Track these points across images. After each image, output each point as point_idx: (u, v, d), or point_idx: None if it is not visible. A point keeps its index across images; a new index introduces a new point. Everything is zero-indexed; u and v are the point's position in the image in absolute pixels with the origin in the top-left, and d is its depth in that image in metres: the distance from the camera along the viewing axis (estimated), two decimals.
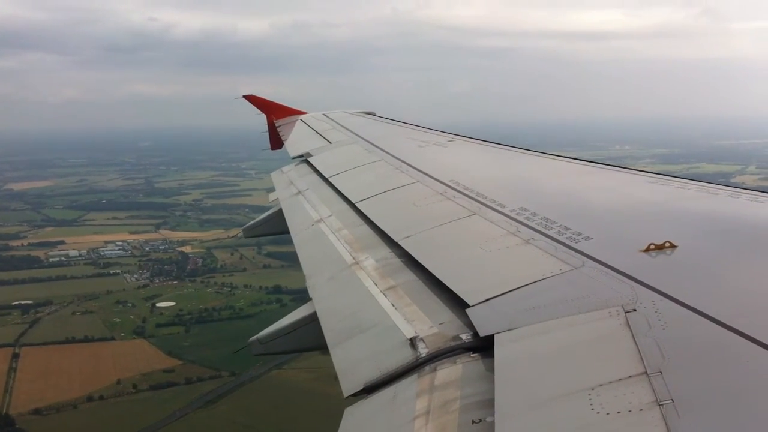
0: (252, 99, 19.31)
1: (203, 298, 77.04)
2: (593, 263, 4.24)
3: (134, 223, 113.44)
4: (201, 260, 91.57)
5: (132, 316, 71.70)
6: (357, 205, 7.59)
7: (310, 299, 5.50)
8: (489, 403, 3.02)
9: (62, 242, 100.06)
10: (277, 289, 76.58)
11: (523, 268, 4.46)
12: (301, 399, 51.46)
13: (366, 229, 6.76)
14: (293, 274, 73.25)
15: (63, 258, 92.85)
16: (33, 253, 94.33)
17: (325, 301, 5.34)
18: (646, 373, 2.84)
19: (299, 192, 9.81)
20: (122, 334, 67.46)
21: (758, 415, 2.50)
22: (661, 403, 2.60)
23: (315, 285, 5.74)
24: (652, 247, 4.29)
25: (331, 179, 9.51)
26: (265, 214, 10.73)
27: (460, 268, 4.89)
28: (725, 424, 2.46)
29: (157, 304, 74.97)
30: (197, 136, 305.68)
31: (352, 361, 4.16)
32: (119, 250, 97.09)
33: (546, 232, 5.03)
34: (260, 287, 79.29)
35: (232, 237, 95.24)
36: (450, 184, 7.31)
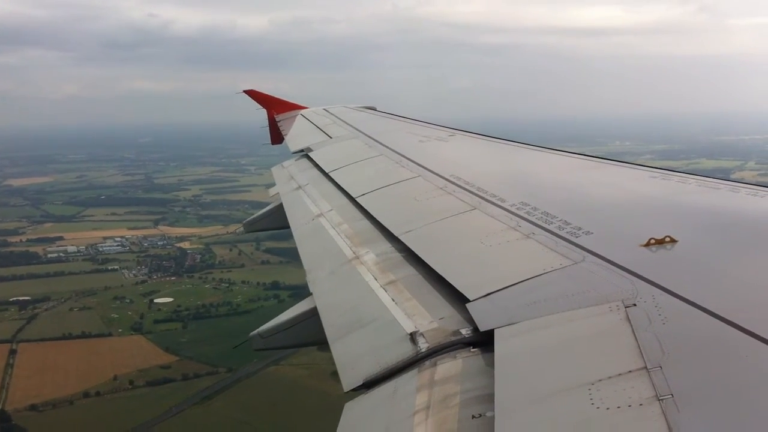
0: (252, 94, 19.27)
1: (201, 294, 76.92)
2: (593, 258, 4.23)
3: (133, 219, 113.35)
4: (199, 256, 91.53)
5: (130, 312, 71.65)
6: (357, 199, 7.59)
7: (310, 294, 5.49)
8: (489, 398, 3.02)
9: (61, 238, 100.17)
10: (275, 285, 76.51)
11: (524, 262, 4.46)
12: (297, 395, 51.48)
13: (366, 223, 6.75)
14: (291, 270, 73.64)
15: (61, 254, 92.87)
16: (31, 249, 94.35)
17: (326, 296, 5.34)
18: (646, 368, 2.83)
19: (300, 187, 9.81)
20: (120, 330, 67.45)
21: (758, 410, 2.49)
22: (661, 397, 2.59)
23: (315, 280, 5.73)
24: (653, 241, 4.28)
25: (331, 174, 9.51)
26: (266, 209, 10.72)
27: (460, 263, 4.88)
28: (725, 419, 2.46)
29: (155, 300, 74.96)
30: (197, 132, 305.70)
31: (352, 356, 4.15)
32: (118, 246, 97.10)
33: (546, 226, 5.03)
34: (258, 283, 79.18)
35: (231, 233, 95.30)
36: (450, 178, 7.30)
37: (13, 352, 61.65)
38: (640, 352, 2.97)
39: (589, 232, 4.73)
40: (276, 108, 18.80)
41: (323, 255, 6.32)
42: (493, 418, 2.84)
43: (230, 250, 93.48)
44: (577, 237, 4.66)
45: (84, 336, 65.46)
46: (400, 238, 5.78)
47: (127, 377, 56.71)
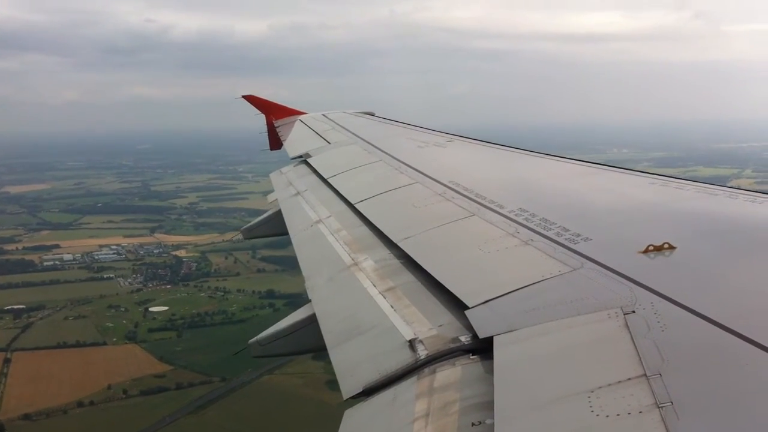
0: (251, 99, 19.27)
1: (196, 303, 76.57)
2: (592, 264, 4.24)
3: (129, 227, 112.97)
4: (195, 264, 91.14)
5: (124, 321, 71.27)
6: (356, 206, 7.59)
7: (308, 301, 5.50)
8: (488, 405, 3.02)
9: (57, 246, 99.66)
10: (270, 294, 76.28)
11: (522, 269, 4.47)
12: (291, 405, 51.27)
13: (365, 230, 6.76)
14: (287, 279, 73.45)
15: (57, 262, 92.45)
16: (27, 257, 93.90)
17: (324, 303, 5.34)
18: (645, 375, 2.83)
19: (298, 193, 9.80)
20: (114, 339, 67.07)
21: (757, 418, 2.49)
22: (660, 405, 2.59)
23: (314, 286, 5.74)
24: (651, 248, 4.28)
25: (330, 180, 9.52)
26: (264, 215, 10.74)
27: (459, 270, 4.89)
28: (725, 427, 2.45)
29: (150, 309, 74.53)
30: (196, 138, 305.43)
31: (351, 363, 4.15)
32: (114, 254, 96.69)
33: (545, 233, 5.03)
34: (253, 292, 78.84)
35: (227, 241, 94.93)
36: (449, 184, 7.31)
37: (7, 361, 61.16)
38: (640, 359, 2.96)
39: (587, 238, 4.73)
40: (275, 113, 18.82)
41: (322, 261, 6.32)
42: (492, 425, 2.84)
43: (226, 258, 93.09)
44: (575, 243, 4.67)
45: (78, 345, 65.07)
46: (399, 244, 5.79)
47: (121, 386, 56.30)
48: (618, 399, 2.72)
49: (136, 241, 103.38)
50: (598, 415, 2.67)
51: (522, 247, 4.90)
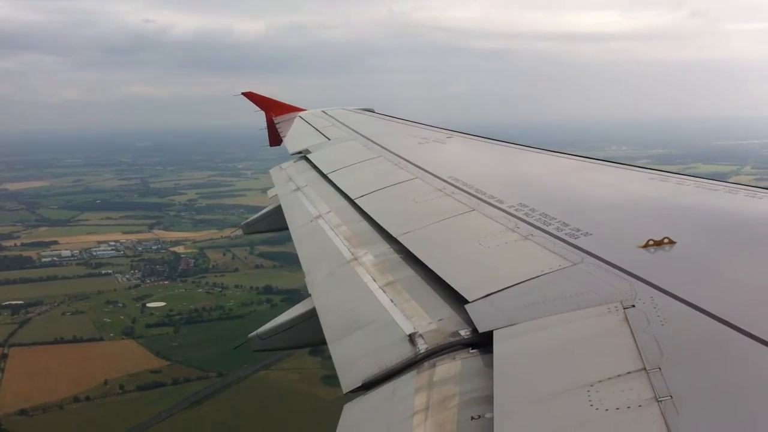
0: (251, 96, 19.24)
1: (194, 299, 76.42)
2: (592, 259, 4.24)
3: (128, 223, 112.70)
4: (193, 260, 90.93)
5: (122, 317, 71.13)
6: (356, 201, 7.60)
7: (306, 297, 5.52)
8: (488, 399, 3.02)
9: (55, 242, 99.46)
10: (268, 290, 76.15)
11: (522, 264, 4.47)
12: (287, 400, 51.26)
13: (365, 225, 6.77)
14: (285, 275, 73.49)
15: (55, 258, 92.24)
16: (25, 254, 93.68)
17: (324, 297, 5.34)
18: (644, 369, 2.83)
19: (298, 188, 9.82)
20: (111, 335, 66.95)
21: (757, 412, 2.49)
22: (659, 399, 2.59)
23: (314, 281, 5.73)
24: (651, 243, 4.29)
25: (329, 175, 9.53)
26: (264, 211, 10.76)
27: (459, 264, 4.90)
28: (724, 421, 2.45)
29: (148, 305, 74.41)
30: (195, 136, 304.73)
31: (351, 357, 4.14)
32: (112, 250, 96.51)
33: (545, 228, 5.04)
34: (251, 287, 78.69)
35: (225, 237, 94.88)
36: (449, 180, 7.31)
37: (4, 356, 61.22)
38: (639, 353, 2.96)
39: (587, 233, 4.73)
40: (274, 110, 18.77)
41: (322, 256, 6.32)
42: (492, 419, 2.84)
43: (224, 254, 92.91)
44: (575, 238, 4.67)
45: (76, 340, 65.03)
46: (399, 239, 5.78)
47: (117, 382, 56.24)
48: (617, 393, 2.72)
49: (134, 237, 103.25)
50: (597, 409, 2.66)
51: (522, 241, 4.90)
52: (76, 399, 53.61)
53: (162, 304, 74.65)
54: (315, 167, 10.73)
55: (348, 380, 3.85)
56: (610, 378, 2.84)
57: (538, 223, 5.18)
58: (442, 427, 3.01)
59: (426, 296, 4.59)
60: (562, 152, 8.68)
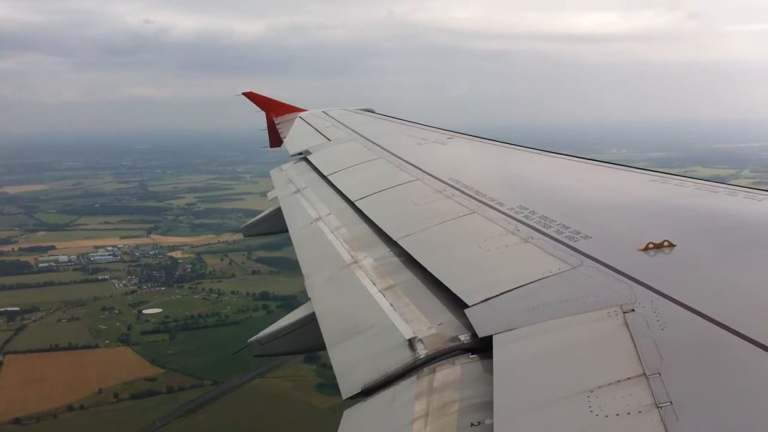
0: (251, 96, 19.21)
1: (190, 305, 76.07)
2: (592, 262, 4.22)
3: (126, 228, 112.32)
4: (190, 266, 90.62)
5: (118, 323, 70.80)
6: (356, 203, 7.59)
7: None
8: (488, 405, 3.01)
9: (53, 247, 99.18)
10: (265, 296, 75.88)
11: (522, 267, 4.46)
12: (281, 408, 50.97)
13: (365, 227, 6.76)
14: (282, 281, 73.24)
15: (52, 263, 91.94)
16: (23, 259, 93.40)
17: (324, 302, 5.32)
18: (644, 374, 2.82)
19: (298, 190, 9.81)
20: (107, 342, 66.63)
21: (757, 418, 2.47)
22: (659, 405, 2.58)
23: (313, 285, 5.72)
24: (651, 246, 4.27)
25: (330, 177, 9.51)
26: (264, 213, 10.76)
27: (458, 268, 4.88)
28: (724, 427, 2.44)
29: (144, 311, 74.10)
30: (195, 138, 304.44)
31: (350, 363, 4.13)
32: (109, 255, 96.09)
33: (545, 230, 5.02)
34: (248, 293, 78.33)
35: (223, 242, 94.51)
36: (449, 182, 7.30)
37: None
38: (639, 358, 2.95)
39: (587, 236, 4.72)
40: (275, 110, 18.75)
41: (321, 259, 6.32)
42: (492, 425, 2.83)
43: (221, 259, 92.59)
44: (575, 241, 4.65)
45: (71, 347, 64.68)
46: (399, 242, 5.78)
47: (112, 390, 55.84)
48: (617, 399, 2.70)
49: (132, 242, 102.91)
50: (597, 415, 2.65)
51: (522, 244, 4.89)
52: (70, 408, 53.27)
53: (158, 310, 74.33)
54: (315, 168, 10.71)
55: (347, 386, 3.83)
56: (610, 384, 2.82)
57: (538, 226, 5.15)
58: None
59: (426, 300, 4.57)
60: (562, 154, 8.61)
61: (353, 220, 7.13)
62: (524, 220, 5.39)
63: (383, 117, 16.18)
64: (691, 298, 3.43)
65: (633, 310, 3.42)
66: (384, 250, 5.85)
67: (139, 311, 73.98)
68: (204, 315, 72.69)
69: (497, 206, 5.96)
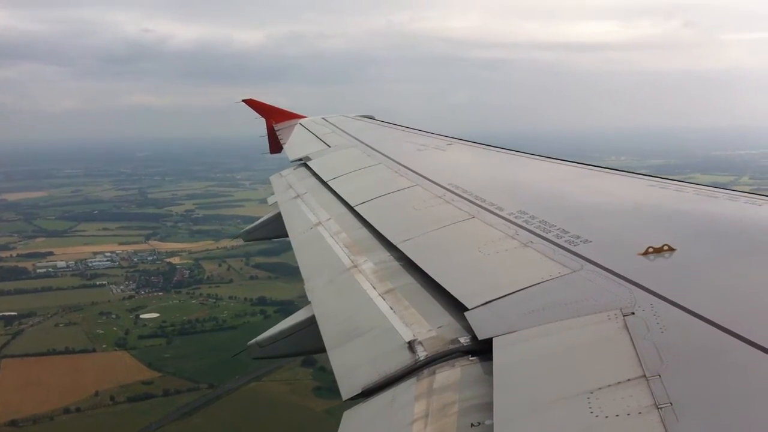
0: (251, 103, 19.33)
1: (187, 310, 75.94)
2: (592, 266, 4.24)
3: (125, 234, 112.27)
4: (188, 271, 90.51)
5: (115, 328, 70.74)
6: (356, 208, 7.62)
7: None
8: (488, 407, 3.02)
9: (51, 253, 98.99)
10: (262, 301, 75.82)
11: (522, 271, 4.47)
12: (277, 411, 50.97)
13: (365, 232, 6.77)
14: (279, 286, 73.20)
15: (50, 269, 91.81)
16: (21, 265, 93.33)
17: (324, 305, 5.34)
18: (644, 376, 2.83)
19: (298, 195, 9.85)
20: (104, 346, 66.56)
21: (757, 420, 2.48)
22: (659, 406, 2.59)
23: (313, 288, 5.73)
24: (651, 250, 4.28)
25: (330, 183, 9.55)
26: (264, 218, 10.73)
27: (458, 272, 4.89)
28: (724, 428, 2.44)
29: (141, 316, 74.01)
30: (195, 146, 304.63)
31: (350, 365, 4.14)
32: (107, 261, 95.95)
33: (544, 235, 5.04)
34: (245, 299, 78.22)
35: (222, 248, 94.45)
36: (449, 187, 7.33)
37: None
38: (639, 360, 2.96)
39: (587, 240, 4.73)
40: (275, 117, 18.86)
41: (322, 264, 6.33)
42: (491, 426, 2.84)
43: (219, 265, 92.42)
44: (575, 245, 4.67)
45: (68, 352, 64.62)
46: (399, 246, 5.79)
47: (108, 393, 55.77)
48: (617, 400, 2.71)
49: (130, 248, 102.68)
50: (597, 416, 2.66)
51: (521, 249, 4.90)
52: (66, 411, 53.20)
53: (155, 315, 74.23)
54: (315, 174, 10.72)
55: (347, 387, 3.84)
56: (610, 385, 2.83)
57: (537, 231, 5.17)
58: None
59: (426, 303, 4.58)
60: (562, 159, 8.64)
61: (353, 225, 7.14)
62: (524, 224, 5.41)
63: (383, 123, 16.24)
64: (691, 301, 3.44)
65: (633, 313, 3.43)
66: (384, 255, 5.86)
67: (137, 316, 73.89)
68: (201, 320, 72.60)
69: (497, 211, 5.98)
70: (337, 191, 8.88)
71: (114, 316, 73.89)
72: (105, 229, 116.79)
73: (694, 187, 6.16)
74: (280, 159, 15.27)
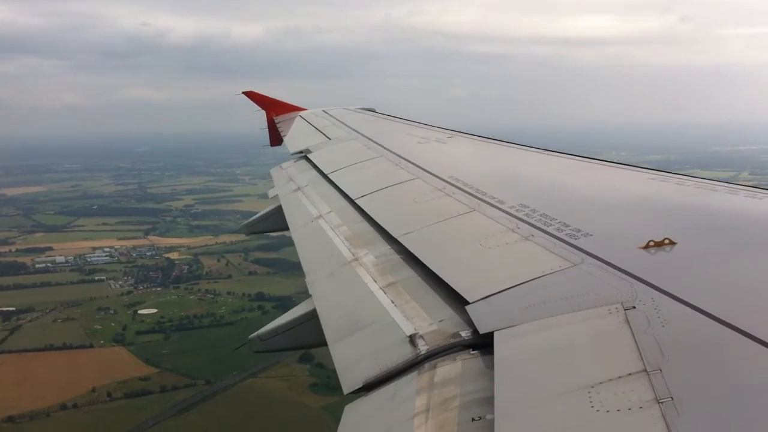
0: (251, 95, 19.32)
1: (185, 305, 75.89)
2: (593, 260, 4.23)
3: (124, 229, 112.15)
4: (187, 267, 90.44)
5: (113, 324, 70.67)
6: (356, 201, 7.61)
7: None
8: (489, 401, 3.01)
9: (50, 248, 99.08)
10: (260, 296, 75.74)
11: (523, 264, 4.46)
12: (274, 408, 50.96)
13: (365, 225, 6.76)
14: (278, 281, 73.22)
15: (49, 264, 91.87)
16: (20, 260, 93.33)
17: (325, 298, 5.33)
18: (645, 370, 2.82)
19: (298, 188, 9.84)
20: (102, 342, 66.57)
21: (758, 414, 2.47)
22: (660, 401, 2.58)
23: (314, 282, 5.72)
24: (652, 243, 4.27)
25: (330, 175, 9.54)
26: (264, 211, 10.71)
27: (459, 265, 4.88)
28: (725, 423, 2.44)
29: (139, 311, 73.94)
30: (194, 141, 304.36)
31: (351, 358, 4.14)
32: (106, 256, 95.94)
33: (545, 228, 5.03)
34: (243, 294, 78.10)
35: (220, 243, 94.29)
36: (449, 180, 7.32)
37: None
38: (640, 354, 2.95)
39: (588, 234, 4.73)
40: (275, 109, 18.80)
41: (322, 257, 6.33)
42: (492, 420, 2.84)
43: (218, 260, 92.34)
44: (576, 239, 4.66)
45: (66, 347, 64.68)
46: (400, 239, 5.78)
47: (105, 389, 55.82)
48: (618, 394, 2.71)
49: (129, 243, 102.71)
50: (598, 411, 2.66)
51: (522, 242, 4.89)
52: (63, 406, 53.29)
53: (154, 310, 74.18)
54: (315, 167, 10.71)
55: (348, 381, 3.83)
56: (610, 379, 2.82)
57: (538, 224, 5.16)
58: (442, 429, 2.99)
59: (427, 297, 4.57)
60: (562, 153, 8.59)
61: (354, 218, 7.13)
62: (525, 218, 5.40)
63: (384, 116, 16.19)
64: (692, 295, 3.43)
65: (634, 307, 3.42)
66: (385, 248, 5.85)
67: (135, 311, 73.79)
68: (199, 315, 72.55)
69: (498, 204, 5.96)
70: (337, 184, 8.87)
71: (112, 312, 73.88)
72: (104, 224, 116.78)
73: (694, 180, 6.13)
74: (280, 154, 15.30)
